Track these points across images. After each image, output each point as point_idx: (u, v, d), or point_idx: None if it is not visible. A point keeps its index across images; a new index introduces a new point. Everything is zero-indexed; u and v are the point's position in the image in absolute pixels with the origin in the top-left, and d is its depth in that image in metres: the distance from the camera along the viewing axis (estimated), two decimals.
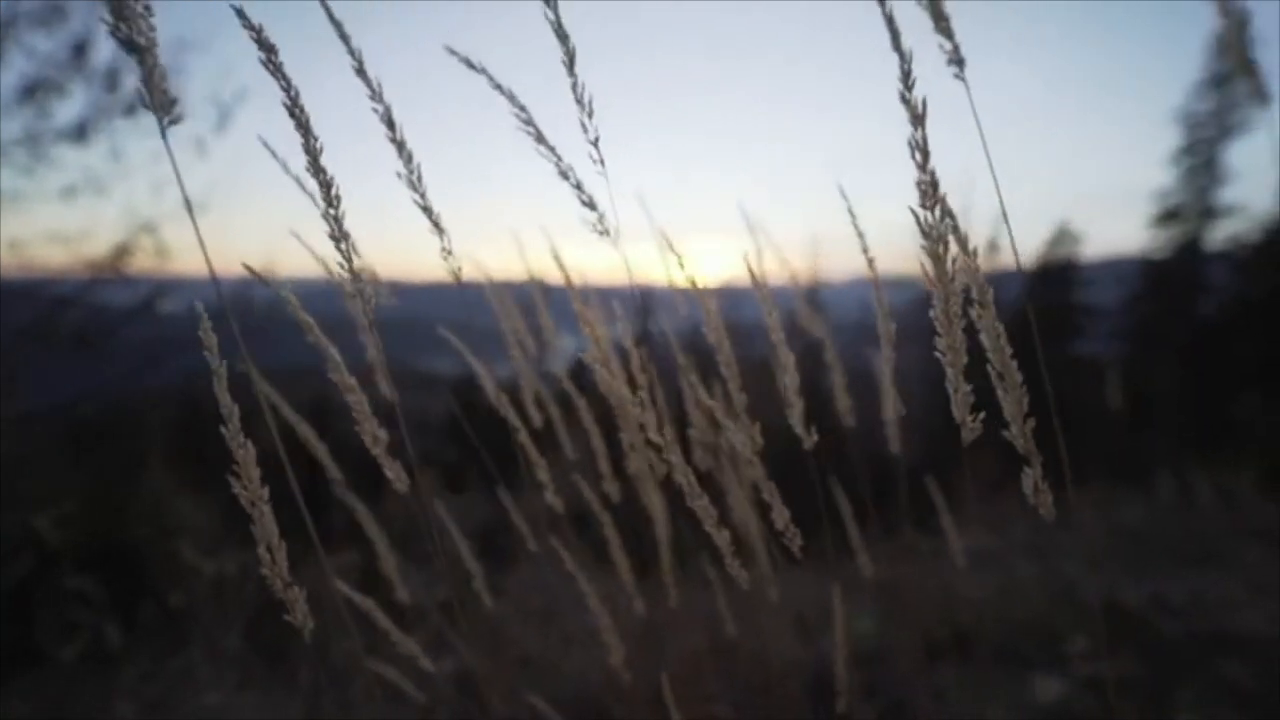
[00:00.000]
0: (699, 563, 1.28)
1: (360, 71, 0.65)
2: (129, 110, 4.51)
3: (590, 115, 0.70)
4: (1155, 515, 3.14)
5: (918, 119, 0.53)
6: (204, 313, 0.57)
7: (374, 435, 0.77)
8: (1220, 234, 7.98)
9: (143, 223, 4.78)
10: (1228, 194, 7.91)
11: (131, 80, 4.52)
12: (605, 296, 1.11)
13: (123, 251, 4.79)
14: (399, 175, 0.68)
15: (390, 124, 0.66)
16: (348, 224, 0.63)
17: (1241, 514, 2.92)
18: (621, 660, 0.97)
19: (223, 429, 0.56)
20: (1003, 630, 1.87)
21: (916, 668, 1.69)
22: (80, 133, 4.57)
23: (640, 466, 1.18)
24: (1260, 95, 0.83)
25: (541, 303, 1.35)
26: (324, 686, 1.93)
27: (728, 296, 1.44)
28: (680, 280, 0.99)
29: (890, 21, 0.54)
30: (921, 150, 0.53)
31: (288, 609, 0.61)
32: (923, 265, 0.55)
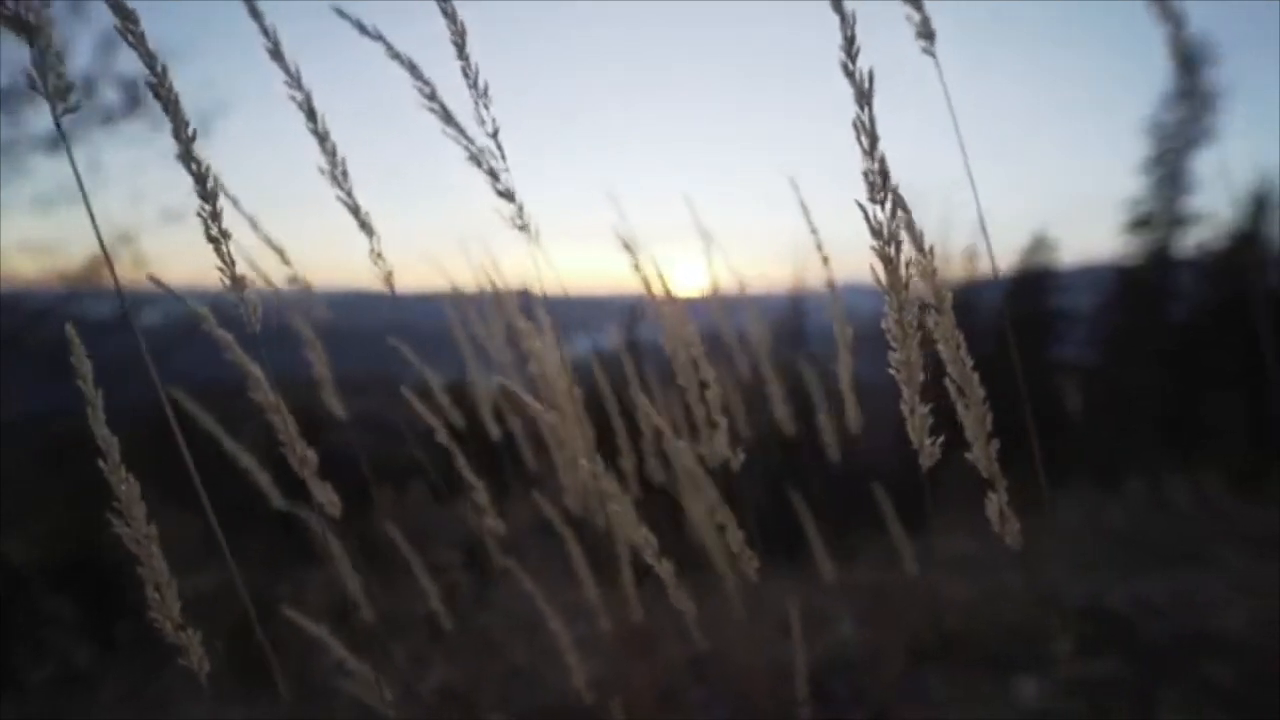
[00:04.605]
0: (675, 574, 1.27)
1: (276, 54, 0.60)
2: (106, 119, 4.45)
3: (487, 106, 0.61)
4: (1135, 517, 3.18)
5: (863, 96, 0.45)
6: (75, 337, 0.51)
7: (302, 458, 0.74)
8: (1190, 241, 8.17)
9: (120, 233, 4.72)
10: (1196, 202, 8.10)
11: (113, 88, 4.46)
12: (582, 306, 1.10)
13: (98, 263, 4.71)
14: (321, 171, 0.63)
15: (311, 114, 0.61)
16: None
17: (1219, 515, 2.97)
18: (584, 680, 0.95)
19: (101, 463, 0.52)
20: (987, 633, 1.88)
21: (902, 672, 1.69)
22: (54, 142, 4.50)
23: (581, 484, 1.16)
24: (1205, 96, 0.86)
25: (502, 313, 1.33)
26: (306, 703, 1.89)
27: (715, 305, 1.44)
28: (654, 289, 0.98)
29: None
30: (868, 133, 0.45)
31: (182, 654, 0.56)
32: (873, 270, 0.49)
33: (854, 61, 0.45)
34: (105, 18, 0.51)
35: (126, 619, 2.51)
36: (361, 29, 0.63)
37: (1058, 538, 2.89)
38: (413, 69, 0.63)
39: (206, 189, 0.53)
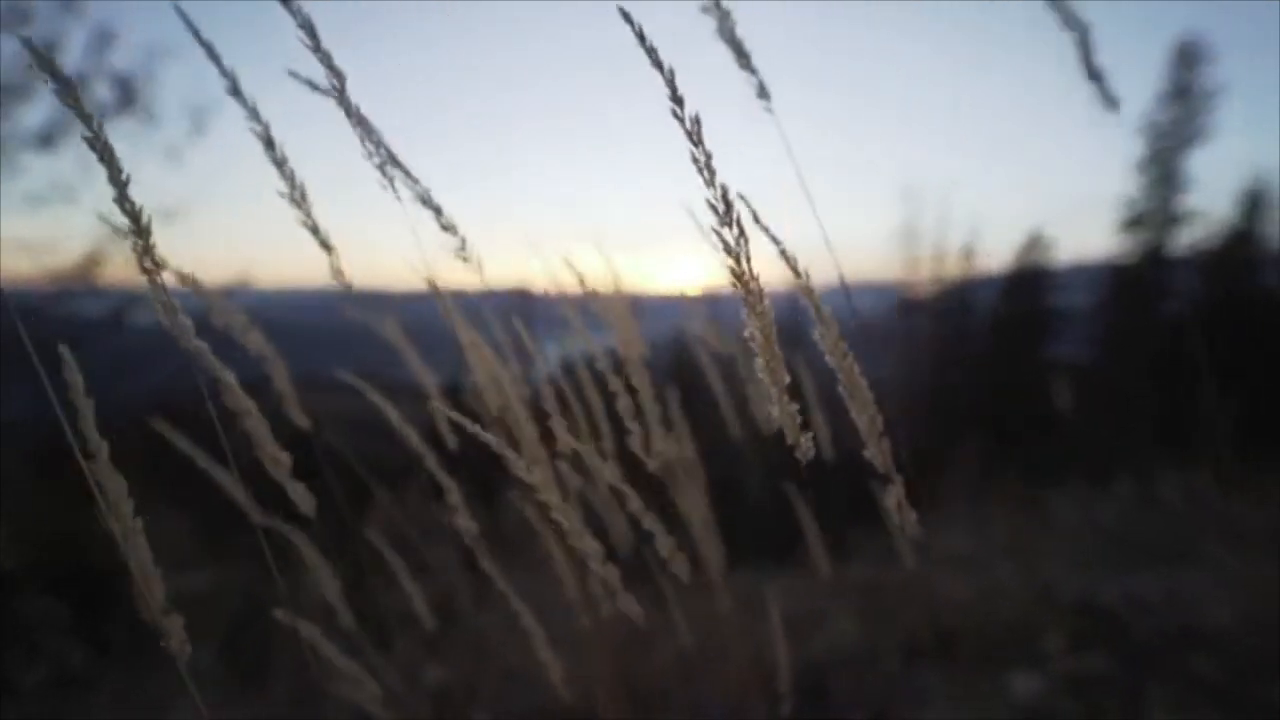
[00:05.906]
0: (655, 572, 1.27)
1: (235, 91, 0.63)
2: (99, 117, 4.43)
3: (375, 143, 0.65)
4: (1127, 515, 3.20)
5: (692, 136, 0.51)
6: None
7: (275, 459, 0.76)
8: (1183, 239, 8.21)
9: (112, 232, 4.71)
10: (1191, 200, 8.14)
11: (103, 86, 4.43)
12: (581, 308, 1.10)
13: (92, 261, 4.69)
14: (280, 194, 0.66)
15: (270, 143, 0.65)
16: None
17: (1210, 513, 2.99)
18: (574, 680, 0.96)
19: (90, 465, 0.54)
20: (982, 630, 1.89)
21: (898, 669, 1.70)
22: (47, 139, 4.48)
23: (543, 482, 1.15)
24: (1108, 100, 0.87)
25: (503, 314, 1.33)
26: (301, 704, 1.89)
27: (708, 305, 1.45)
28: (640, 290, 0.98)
29: (647, 47, 0.51)
30: (706, 168, 0.51)
31: (164, 636, 0.58)
32: (730, 285, 0.54)
33: (681, 108, 0.51)
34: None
35: (120, 622, 2.50)
36: (313, 86, 0.67)
37: (1052, 535, 2.91)
38: (362, 122, 0.67)
39: (140, 226, 0.55)
